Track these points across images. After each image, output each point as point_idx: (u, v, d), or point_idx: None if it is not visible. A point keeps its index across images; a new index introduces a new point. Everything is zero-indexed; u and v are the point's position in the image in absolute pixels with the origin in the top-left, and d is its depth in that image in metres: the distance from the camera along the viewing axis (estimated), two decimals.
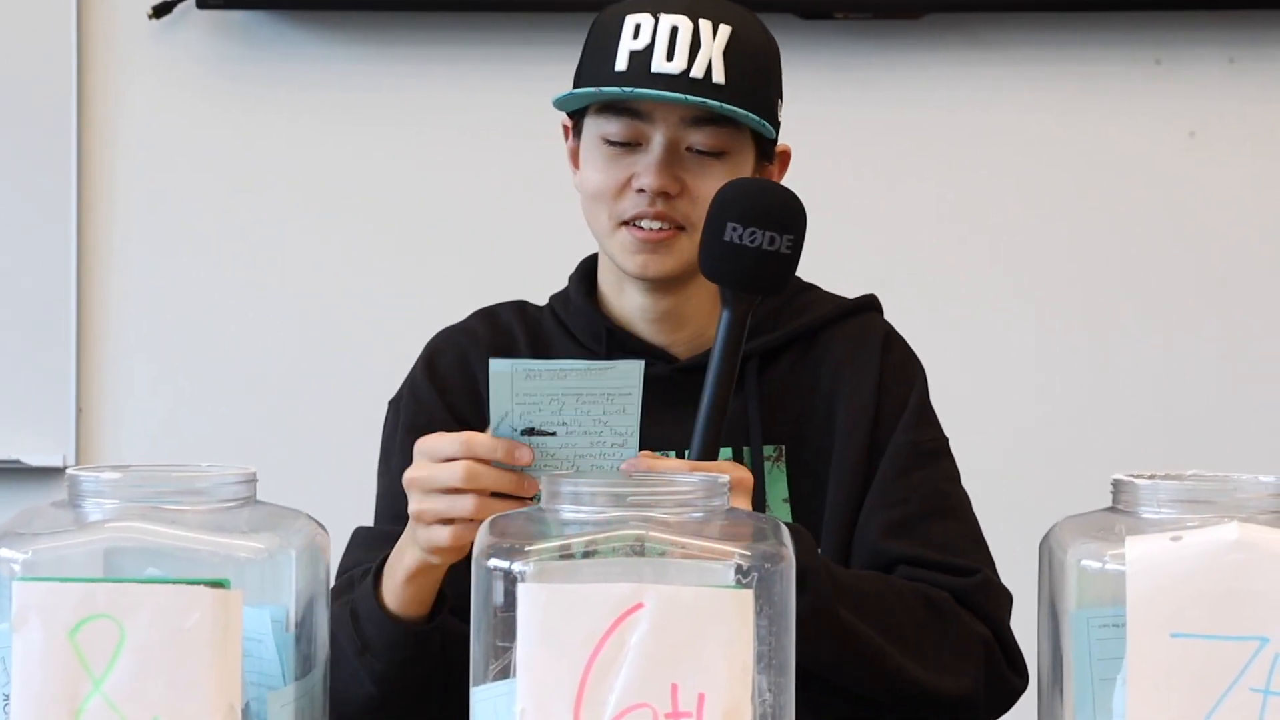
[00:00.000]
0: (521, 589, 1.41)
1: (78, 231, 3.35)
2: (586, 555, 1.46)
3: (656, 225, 1.98)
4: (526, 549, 1.46)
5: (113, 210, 3.38)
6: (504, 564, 1.46)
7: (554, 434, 1.76)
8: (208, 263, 3.39)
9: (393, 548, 1.89)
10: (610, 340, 2.05)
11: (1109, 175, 3.35)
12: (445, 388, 2.09)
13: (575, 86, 2.03)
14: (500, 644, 1.47)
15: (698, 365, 1.97)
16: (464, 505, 1.77)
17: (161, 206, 3.38)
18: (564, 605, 1.41)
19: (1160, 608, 1.40)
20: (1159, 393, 3.35)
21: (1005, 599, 2.03)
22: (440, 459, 1.78)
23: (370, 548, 1.99)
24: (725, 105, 1.95)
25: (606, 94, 1.98)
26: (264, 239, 3.39)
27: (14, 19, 3.34)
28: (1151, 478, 1.50)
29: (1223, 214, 3.35)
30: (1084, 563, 1.47)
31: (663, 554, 1.45)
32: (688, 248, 1.98)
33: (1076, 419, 3.35)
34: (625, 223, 2.00)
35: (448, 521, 1.78)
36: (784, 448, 2.06)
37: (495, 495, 1.77)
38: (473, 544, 1.59)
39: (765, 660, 1.44)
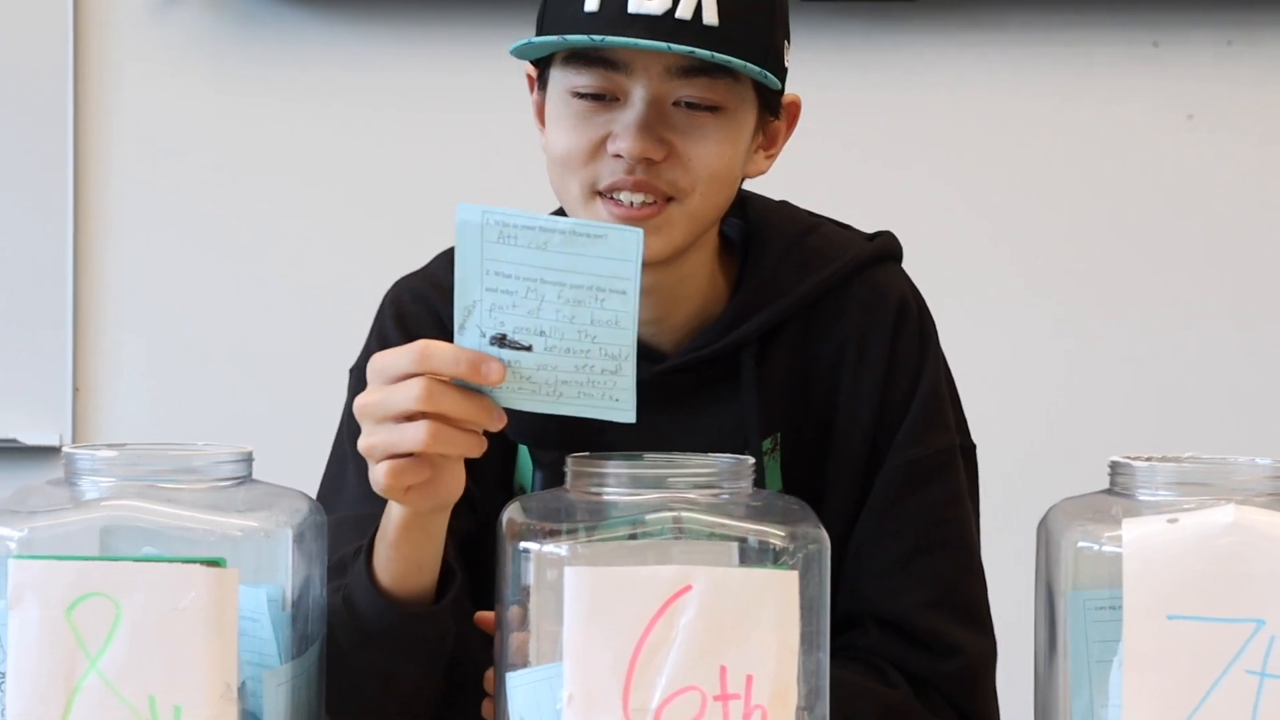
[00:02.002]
0: (569, 572, 1.39)
1: (74, 211, 3.34)
2: (630, 538, 1.44)
3: (639, 199, 1.67)
4: (564, 531, 1.44)
5: (109, 190, 3.37)
6: (536, 546, 1.44)
7: (529, 348, 1.45)
8: (205, 243, 3.38)
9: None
10: None
11: (1107, 159, 3.34)
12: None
13: (538, 32, 1.71)
14: (521, 630, 1.45)
15: (682, 366, 1.78)
16: (411, 437, 1.47)
17: (158, 187, 3.38)
18: (611, 588, 1.39)
19: (1157, 590, 1.40)
20: (1156, 375, 3.34)
21: (983, 674, 1.81)
22: (394, 377, 1.48)
23: (361, 530, 1.69)
24: (718, 55, 1.63)
25: (572, 43, 1.65)
26: (261, 221, 3.38)
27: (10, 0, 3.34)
28: (1149, 460, 1.49)
29: (1221, 197, 3.34)
30: (1081, 545, 1.46)
31: (709, 536, 1.44)
32: (680, 221, 1.69)
33: (1074, 401, 3.34)
34: (600, 193, 1.69)
35: (397, 456, 1.49)
36: (779, 435, 1.81)
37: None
38: (452, 488, 1.49)
39: (807, 642, 1.44)
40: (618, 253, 1.43)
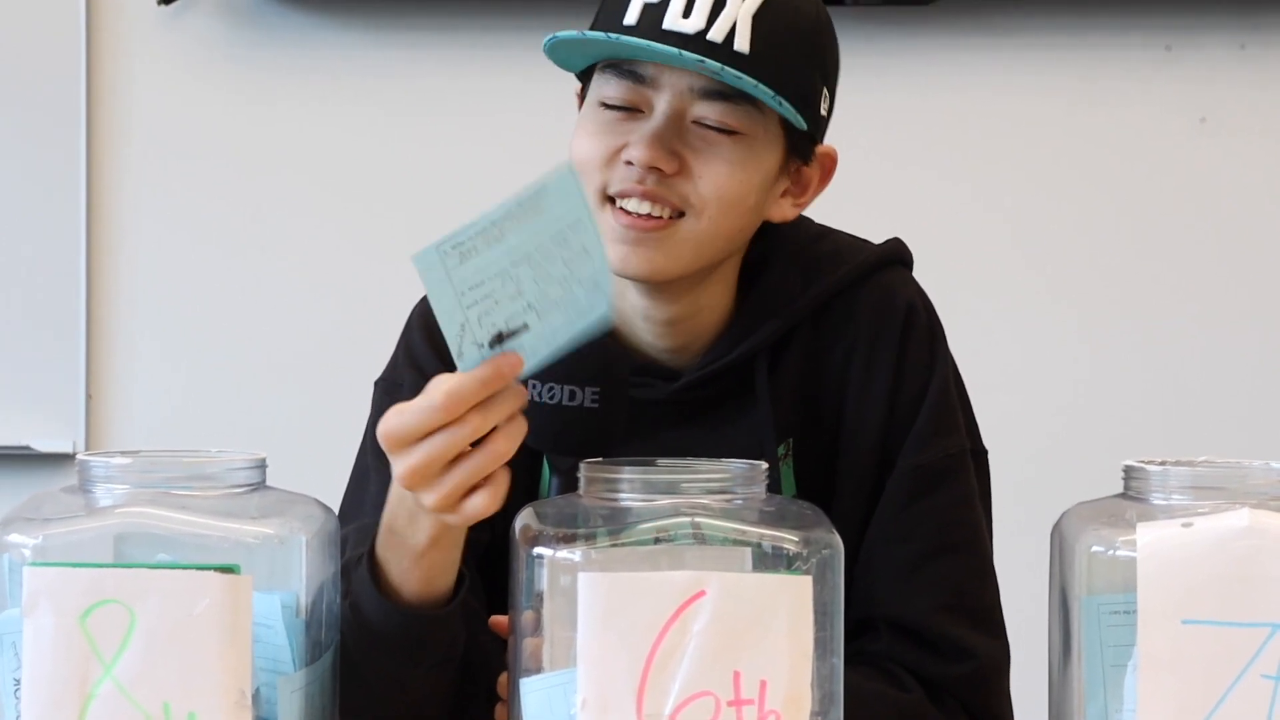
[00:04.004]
0: (583, 578, 1.39)
1: (87, 217, 3.34)
2: (643, 542, 1.44)
3: (646, 208, 1.68)
4: (578, 537, 1.44)
5: (122, 196, 3.37)
6: (550, 551, 1.43)
7: (526, 326, 1.44)
8: (217, 249, 3.38)
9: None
10: (603, 353, 1.60)
11: (1120, 162, 3.34)
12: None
13: None
14: (534, 635, 1.45)
15: (697, 382, 1.78)
16: (491, 457, 1.46)
17: (171, 193, 3.38)
18: (625, 594, 1.39)
19: (1171, 594, 1.40)
20: (1170, 379, 3.34)
21: (996, 677, 1.81)
22: (418, 437, 1.46)
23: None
24: (743, 76, 1.63)
25: (590, 38, 1.67)
26: (273, 225, 3.38)
27: (23, 5, 3.34)
28: (1163, 464, 1.49)
29: (1234, 200, 3.34)
30: (1095, 549, 1.46)
31: (723, 541, 1.44)
32: (688, 239, 1.70)
33: (1087, 405, 3.34)
34: (611, 199, 1.70)
35: (477, 485, 1.48)
36: (792, 441, 1.81)
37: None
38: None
39: (820, 647, 1.44)
40: (560, 194, 1.41)
